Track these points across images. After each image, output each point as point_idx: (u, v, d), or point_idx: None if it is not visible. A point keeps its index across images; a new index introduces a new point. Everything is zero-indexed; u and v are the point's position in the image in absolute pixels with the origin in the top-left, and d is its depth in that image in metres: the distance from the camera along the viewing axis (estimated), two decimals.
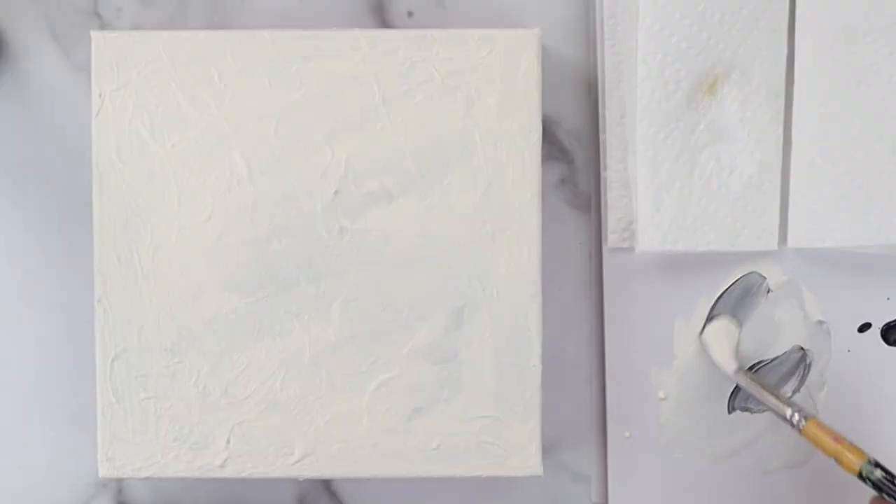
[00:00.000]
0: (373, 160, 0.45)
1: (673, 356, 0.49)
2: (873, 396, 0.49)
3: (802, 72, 0.47)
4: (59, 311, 0.50)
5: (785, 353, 0.49)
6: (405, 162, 0.45)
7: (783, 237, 0.48)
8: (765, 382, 0.46)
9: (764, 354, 0.49)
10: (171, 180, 0.45)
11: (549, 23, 0.49)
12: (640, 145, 0.47)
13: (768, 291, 0.49)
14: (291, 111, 0.45)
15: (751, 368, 0.49)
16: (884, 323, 0.49)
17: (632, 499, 0.50)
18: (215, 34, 0.45)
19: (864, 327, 0.49)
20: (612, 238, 0.49)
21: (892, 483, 0.41)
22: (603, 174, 0.49)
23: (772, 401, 0.45)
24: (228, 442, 0.45)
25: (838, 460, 0.42)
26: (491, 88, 0.45)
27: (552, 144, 0.50)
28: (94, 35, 0.45)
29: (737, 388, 0.49)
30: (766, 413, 0.49)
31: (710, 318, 0.49)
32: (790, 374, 0.49)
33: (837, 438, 0.42)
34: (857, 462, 0.41)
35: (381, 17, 0.49)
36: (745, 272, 0.49)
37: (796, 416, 0.43)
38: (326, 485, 0.51)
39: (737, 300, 0.49)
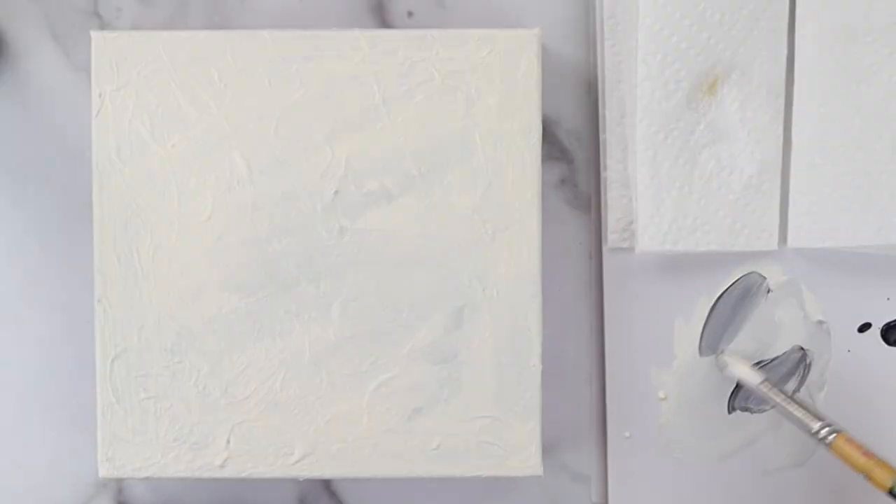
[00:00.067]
0: (373, 160, 0.45)
1: (673, 356, 0.49)
2: (873, 396, 0.49)
3: (802, 72, 0.47)
4: (59, 311, 0.50)
5: (785, 353, 0.49)
6: (405, 162, 0.45)
7: (783, 237, 0.48)
8: (792, 395, 0.46)
9: (764, 354, 0.49)
10: (171, 180, 0.45)
11: (549, 23, 0.49)
12: (640, 145, 0.47)
13: (768, 291, 0.49)
14: (291, 111, 0.45)
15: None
16: (884, 323, 0.49)
17: (632, 499, 0.50)
18: (215, 34, 0.45)
19: (864, 327, 0.49)
20: (612, 238, 0.49)
21: None
22: (603, 174, 0.49)
23: (799, 414, 0.44)
24: (228, 442, 0.45)
25: (868, 476, 0.41)
26: (491, 88, 0.45)
27: (552, 144, 0.50)
28: (94, 35, 0.45)
29: (737, 388, 0.49)
30: (766, 413, 0.49)
31: (720, 348, 0.49)
32: (790, 374, 0.49)
33: (867, 454, 0.42)
34: (889, 479, 0.41)
35: (381, 17, 0.49)
36: (745, 272, 0.49)
37: (825, 431, 0.43)
38: (326, 485, 0.51)
39: (737, 300, 0.49)
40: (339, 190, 0.45)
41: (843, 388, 0.49)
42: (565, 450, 0.51)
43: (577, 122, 0.50)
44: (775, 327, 0.49)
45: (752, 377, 0.47)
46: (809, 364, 0.49)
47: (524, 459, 0.46)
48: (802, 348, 0.49)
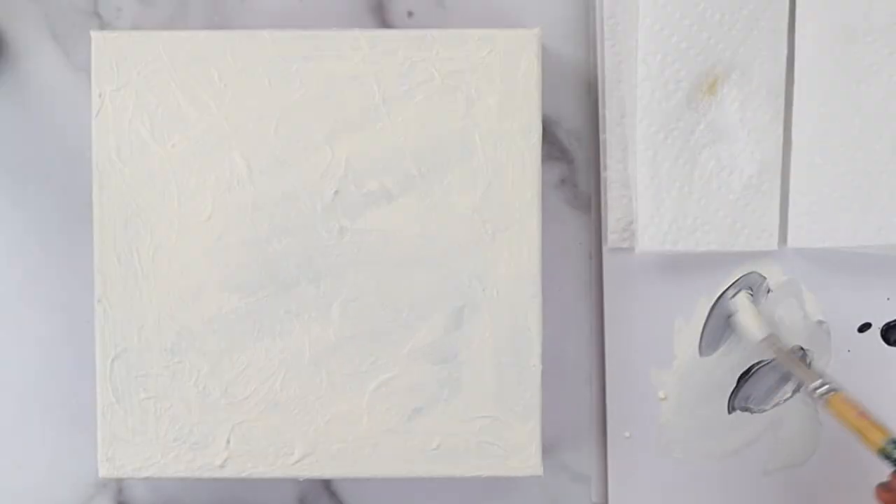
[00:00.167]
0: (373, 160, 0.45)
1: (673, 356, 0.49)
2: (873, 396, 0.49)
3: (802, 72, 0.47)
4: (59, 311, 0.50)
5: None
6: (405, 162, 0.45)
7: (783, 237, 0.48)
8: (791, 353, 0.46)
9: (764, 354, 0.49)
10: (171, 180, 0.45)
11: (549, 23, 0.49)
12: (640, 145, 0.47)
13: (768, 291, 0.49)
14: (291, 111, 0.45)
15: (749, 369, 0.49)
16: (884, 323, 0.49)
17: (632, 499, 0.50)
18: (215, 34, 0.45)
19: (864, 327, 0.49)
20: (612, 238, 0.49)
21: None
22: (603, 174, 0.49)
23: (801, 369, 0.45)
24: (228, 442, 0.45)
25: (861, 435, 0.42)
26: (491, 88, 0.45)
27: (552, 144, 0.50)
28: (94, 35, 0.45)
29: (737, 388, 0.49)
30: (766, 413, 0.49)
31: (726, 294, 0.49)
32: (790, 374, 0.49)
33: (862, 414, 0.43)
34: (880, 438, 0.41)
35: (381, 17, 0.49)
36: (745, 272, 0.49)
37: (823, 388, 0.44)
38: (326, 485, 0.51)
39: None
40: (339, 190, 0.45)
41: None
42: (565, 450, 0.51)
43: (577, 122, 0.50)
44: (775, 327, 0.49)
45: (759, 331, 0.47)
46: (809, 364, 0.49)
47: (524, 459, 0.46)
48: (802, 348, 0.49)
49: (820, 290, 0.49)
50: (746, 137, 0.47)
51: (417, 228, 0.45)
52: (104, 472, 0.46)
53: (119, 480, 0.50)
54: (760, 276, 0.49)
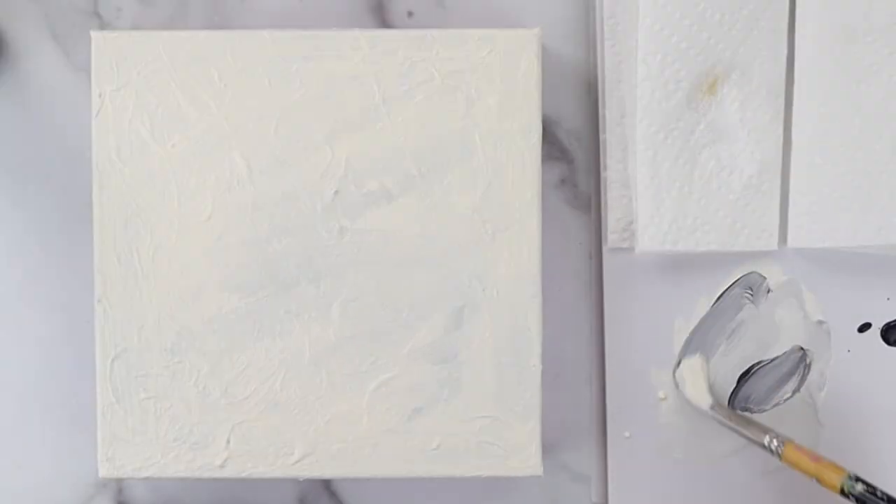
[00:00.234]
0: (373, 160, 0.45)
1: (673, 356, 0.49)
2: (873, 396, 0.49)
3: (802, 72, 0.47)
4: (59, 311, 0.50)
5: (785, 353, 0.49)
6: (405, 162, 0.45)
7: (783, 237, 0.48)
8: (738, 415, 0.47)
9: (764, 354, 0.49)
10: (171, 180, 0.45)
11: (549, 23, 0.49)
12: (640, 145, 0.47)
13: (768, 291, 0.49)
14: (291, 111, 0.45)
15: (749, 369, 0.49)
16: (884, 323, 0.49)
17: (632, 499, 0.50)
18: (215, 34, 0.45)
19: (864, 327, 0.49)
20: (612, 238, 0.49)
21: (875, 495, 0.41)
22: (603, 174, 0.49)
23: (749, 431, 0.45)
24: (228, 442, 0.45)
25: (819, 480, 0.42)
26: (491, 88, 0.45)
27: (552, 144, 0.50)
28: (94, 35, 0.45)
29: (737, 388, 0.49)
30: (766, 413, 0.49)
31: (679, 359, 0.49)
32: (790, 374, 0.49)
33: (816, 458, 0.42)
34: (837, 478, 0.41)
35: (381, 17, 0.49)
36: (745, 272, 0.49)
37: (774, 442, 0.44)
38: (326, 485, 0.51)
39: (722, 311, 0.49)
40: (339, 190, 0.45)
41: (843, 388, 0.49)
42: (565, 450, 0.51)
43: (577, 122, 0.50)
44: (775, 327, 0.49)
45: (703, 401, 0.47)
46: (809, 364, 0.49)
47: (524, 459, 0.46)
48: (802, 348, 0.49)
49: (820, 290, 0.49)
50: (746, 137, 0.47)
51: (417, 228, 0.45)
52: (104, 472, 0.46)
53: (119, 480, 0.50)
54: (760, 276, 0.49)
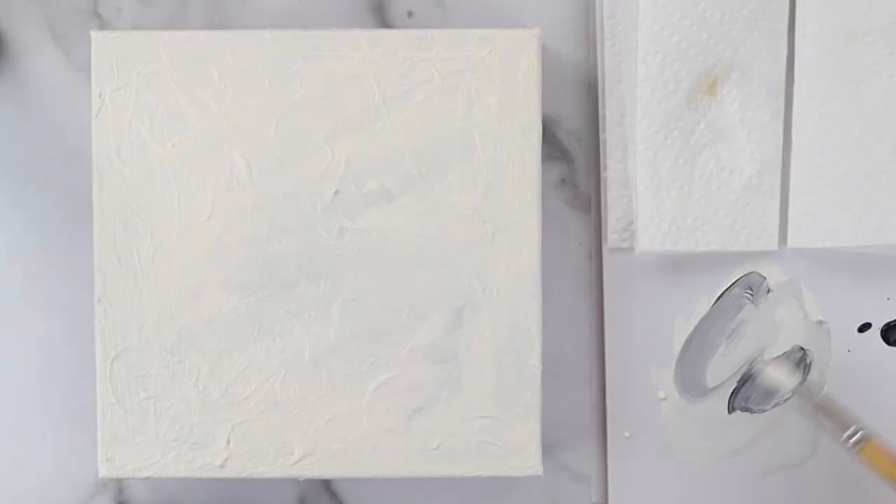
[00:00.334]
0: (373, 160, 0.45)
1: (673, 356, 0.49)
2: (873, 396, 0.49)
3: (802, 72, 0.47)
4: (59, 311, 0.50)
5: (785, 353, 0.49)
6: (405, 162, 0.45)
7: (783, 237, 0.48)
8: (825, 401, 0.46)
9: (764, 354, 0.49)
10: (171, 180, 0.45)
11: (549, 23, 0.49)
12: (640, 145, 0.47)
13: (768, 291, 0.49)
14: (291, 111, 0.45)
15: (749, 369, 0.49)
16: (884, 323, 0.49)
17: (632, 499, 0.50)
18: (215, 34, 0.45)
19: (864, 327, 0.49)
20: (612, 238, 0.49)
21: None
22: (603, 174, 0.49)
23: (833, 419, 0.45)
24: (228, 442, 0.45)
25: None
26: (491, 88, 0.45)
27: (552, 144, 0.50)
28: (94, 35, 0.45)
29: (737, 388, 0.49)
30: (766, 413, 0.49)
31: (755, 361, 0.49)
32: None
33: None
34: None
35: (381, 17, 0.49)
36: (745, 272, 0.49)
37: (857, 436, 0.43)
38: (326, 485, 0.51)
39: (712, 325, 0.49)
40: (339, 190, 0.45)
41: (843, 388, 0.49)
42: (565, 450, 0.51)
43: (577, 122, 0.50)
44: (775, 327, 0.49)
45: (788, 381, 0.47)
46: (809, 364, 0.49)
47: (524, 459, 0.46)
48: (802, 348, 0.49)
49: (820, 290, 0.49)
50: (746, 137, 0.47)
51: (417, 228, 0.45)
52: (104, 472, 0.46)
53: (119, 480, 0.50)
54: (760, 276, 0.49)
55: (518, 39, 0.45)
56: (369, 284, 0.45)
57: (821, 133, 0.47)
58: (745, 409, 0.49)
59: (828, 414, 0.45)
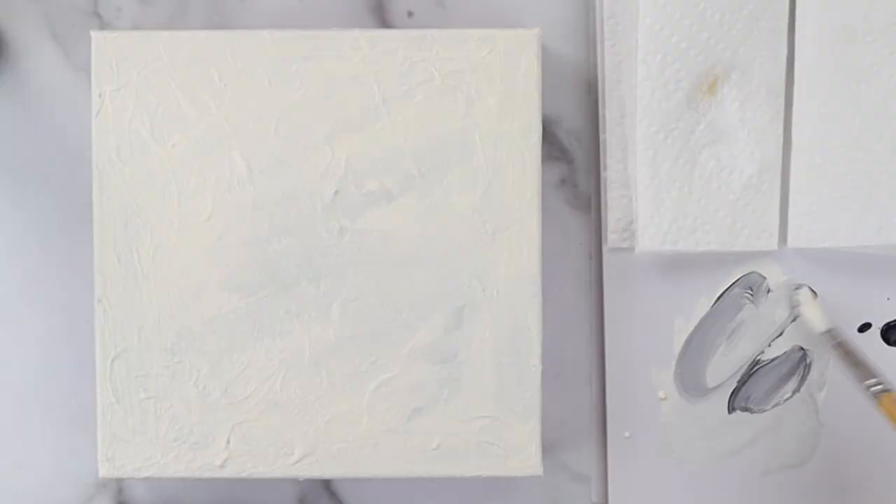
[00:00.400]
0: (373, 160, 0.45)
1: (673, 356, 0.49)
2: None
3: (802, 72, 0.47)
4: (59, 311, 0.50)
5: (785, 353, 0.49)
6: (405, 162, 0.45)
7: (783, 237, 0.48)
8: (852, 349, 0.46)
9: (764, 354, 0.49)
10: (171, 180, 0.45)
11: (549, 23, 0.49)
12: (640, 145, 0.47)
13: (768, 291, 0.49)
14: (291, 111, 0.45)
15: (749, 369, 0.49)
16: (884, 323, 0.49)
17: (632, 499, 0.50)
18: (215, 34, 0.45)
19: (864, 327, 0.49)
20: (612, 238, 0.49)
21: None
22: (603, 174, 0.49)
23: (855, 366, 0.45)
24: (228, 442, 0.45)
25: None
26: (491, 88, 0.45)
27: (552, 144, 0.50)
28: (94, 35, 0.45)
29: (737, 388, 0.49)
30: (766, 413, 0.49)
31: (798, 286, 0.49)
32: (790, 374, 0.49)
33: None
34: None
35: (381, 17, 0.49)
36: (745, 272, 0.49)
37: (879, 387, 0.44)
38: (326, 485, 0.51)
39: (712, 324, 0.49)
40: (339, 190, 0.45)
41: (843, 388, 0.49)
42: (565, 450, 0.51)
43: (577, 122, 0.50)
44: (775, 327, 0.49)
45: (823, 323, 0.47)
46: (809, 364, 0.49)
47: (524, 459, 0.46)
48: (802, 348, 0.49)
49: (820, 290, 0.49)
50: (746, 137, 0.47)
51: (417, 228, 0.45)
52: (104, 472, 0.46)
53: (119, 480, 0.50)
54: (760, 276, 0.49)
55: (518, 39, 0.45)
56: (369, 284, 0.45)
57: (821, 133, 0.47)
58: (745, 409, 0.49)
59: (853, 363, 0.45)
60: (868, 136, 0.47)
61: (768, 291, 0.49)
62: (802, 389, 0.49)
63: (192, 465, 0.45)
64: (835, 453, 0.49)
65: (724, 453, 0.50)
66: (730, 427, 0.49)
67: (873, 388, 0.44)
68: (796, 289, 0.48)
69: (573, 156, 0.50)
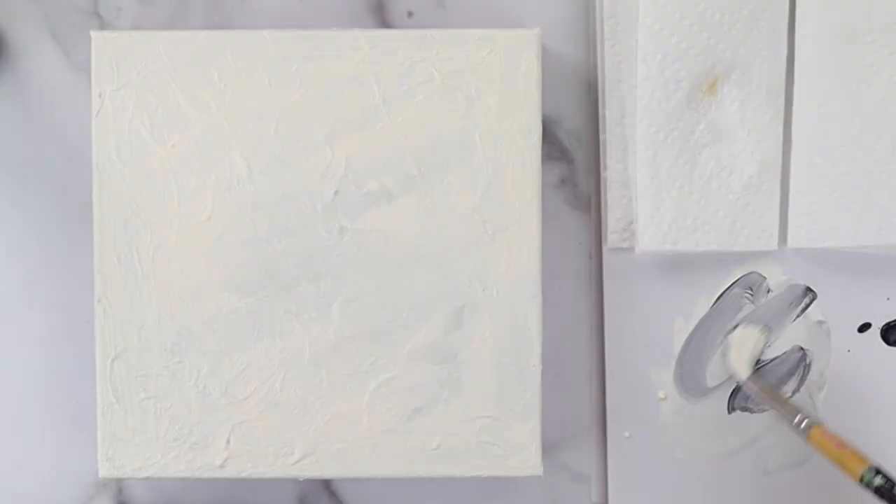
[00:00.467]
0: (373, 160, 0.45)
1: (673, 356, 0.49)
2: (873, 396, 0.49)
3: (802, 72, 0.47)
4: (59, 311, 0.50)
5: (785, 353, 0.49)
6: (405, 162, 0.45)
7: (783, 237, 0.48)
8: (773, 389, 0.47)
9: (764, 354, 0.49)
10: (171, 180, 0.45)
11: (549, 23, 0.49)
12: (640, 145, 0.47)
13: (768, 291, 0.49)
14: (291, 111, 0.45)
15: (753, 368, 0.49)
16: (884, 323, 0.49)
17: (632, 499, 0.50)
18: (215, 34, 0.45)
19: (864, 327, 0.49)
20: (612, 238, 0.49)
21: (892, 490, 0.41)
22: (603, 174, 0.49)
23: (780, 407, 0.45)
24: (228, 442, 0.45)
25: (842, 465, 0.42)
26: (491, 88, 0.45)
27: (552, 144, 0.50)
28: (94, 35, 0.45)
29: (737, 388, 0.49)
30: (766, 413, 0.49)
31: (737, 324, 0.49)
32: (790, 374, 0.49)
33: (841, 445, 0.42)
34: (859, 469, 0.41)
35: (381, 17, 0.49)
36: (745, 272, 0.49)
37: (804, 423, 0.44)
38: (326, 485, 0.51)
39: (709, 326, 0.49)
40: (339, 190, 0.45)
41: (843, 388, 0.49)
42: (565, 450, 0.51)
43: (577, 122, 0.50)
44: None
45: (741, 371, 0.47)
46: (809, 364, 0.49)
47: (524, 459, 0.46)
48: (802, 348, 0.49)
49: (820, 290, 0.49)
50: (746, 137, 0.47)
51: (417, 228, 0.45)
52: (104, 472, 0.46)
53: (119, 480, 0.50)
54: (760, 276, 0.49)
55: (518, 39, 0.45)
56: (369, 284, 0.45)
57: (821, 133, 0.47)
58: (745, 409, 0.49)
59: (778, 402, 0.46)
60: (868, 136, 0.47)
61: (768, 291, 0.49)
62: (802, 389, 0.49)
63: (192, 465, 0.45)
64: None
65: (724, 453, 0.50)
66: (730, 427, 0.49)
67: (803, 426, 0.44)
68: (730, 332, 0.48)
69: (573, 156, 0.50)
